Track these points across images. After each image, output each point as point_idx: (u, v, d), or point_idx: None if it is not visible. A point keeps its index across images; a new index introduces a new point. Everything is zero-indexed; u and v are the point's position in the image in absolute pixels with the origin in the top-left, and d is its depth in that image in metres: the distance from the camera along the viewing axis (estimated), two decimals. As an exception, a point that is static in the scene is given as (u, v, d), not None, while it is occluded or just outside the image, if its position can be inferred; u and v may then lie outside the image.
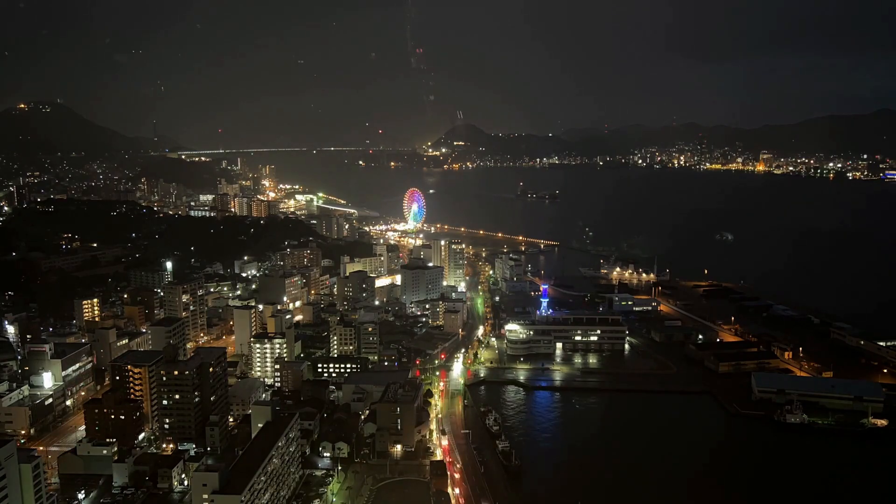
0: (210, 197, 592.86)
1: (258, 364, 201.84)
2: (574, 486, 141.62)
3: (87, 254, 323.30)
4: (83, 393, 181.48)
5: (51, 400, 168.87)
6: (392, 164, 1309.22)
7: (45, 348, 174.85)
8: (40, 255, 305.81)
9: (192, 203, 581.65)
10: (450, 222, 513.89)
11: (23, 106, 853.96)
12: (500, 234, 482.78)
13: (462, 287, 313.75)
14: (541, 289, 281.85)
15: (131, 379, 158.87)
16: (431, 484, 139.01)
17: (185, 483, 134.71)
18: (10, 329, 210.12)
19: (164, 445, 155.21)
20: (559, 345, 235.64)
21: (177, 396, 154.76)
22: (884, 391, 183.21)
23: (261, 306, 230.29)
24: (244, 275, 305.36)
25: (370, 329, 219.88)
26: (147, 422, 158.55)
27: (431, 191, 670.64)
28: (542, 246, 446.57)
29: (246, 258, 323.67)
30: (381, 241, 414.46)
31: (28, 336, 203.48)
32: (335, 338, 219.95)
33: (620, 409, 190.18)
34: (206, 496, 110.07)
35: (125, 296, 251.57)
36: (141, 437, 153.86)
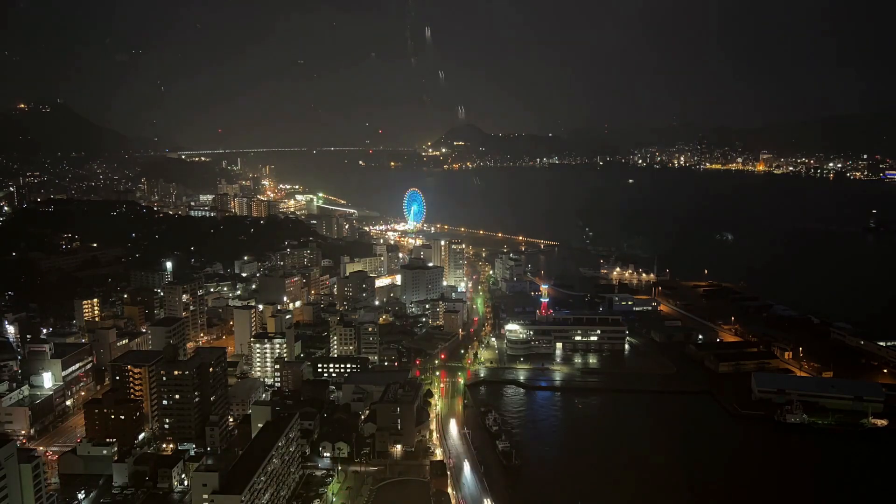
0: (210, 197, 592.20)
1: (258, 364, 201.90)
2: (574, 486, 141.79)
3: (87, 254, 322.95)
4: (83, 393, 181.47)
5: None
6: (392, 164, 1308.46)
7: (45, 348, 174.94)
8: (40, 255, 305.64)
9: (192, 203, 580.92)
10: (450, 222, 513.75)
11: (23, 106, 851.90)
12: (500, 234, 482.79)
13: (462, 287, 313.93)
14: (541, 289, 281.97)
15: (131, 379, 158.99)
16: (431, 484, 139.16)
17: (185, 483, 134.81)
18: (10, 329, 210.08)
19: (164, 445, 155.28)
20: (559, 345, 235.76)
21: (177, 396, 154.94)
22: (884, 391, 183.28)
23: (261, 306, 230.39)
24: (244, 275, 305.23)
25: (370, 329, 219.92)
26: (147, 422, 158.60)
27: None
28: (542, 246, 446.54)
29: (246, 258, 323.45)
30: (381, 241, 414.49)
31: (28, 336, 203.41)
32: (335, 338, 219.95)
33: (620, 409, 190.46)
34: (206, 496, 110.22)
35: (125, 296, 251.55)
36: (141, 437, 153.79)
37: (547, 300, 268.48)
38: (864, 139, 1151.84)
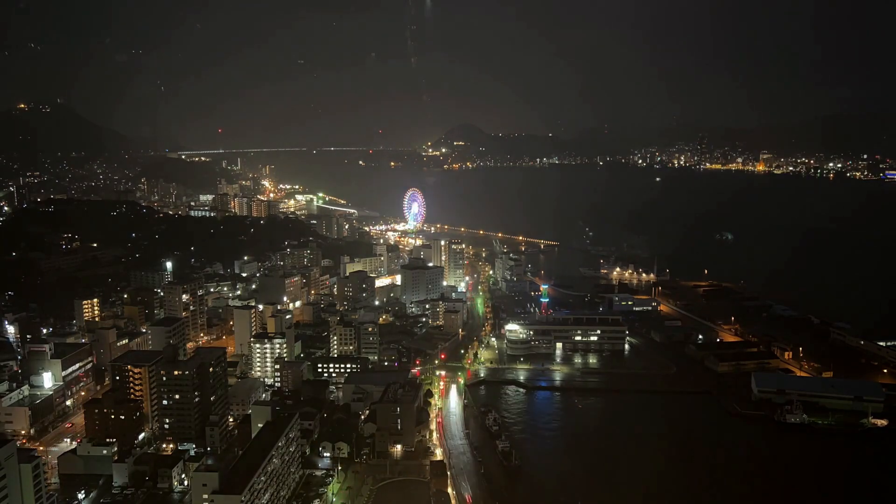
0: (210, 197, 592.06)
1: (258, 364, 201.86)
2: (574, 485, 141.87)
3: (87, 254, 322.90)
4: (83, 393, 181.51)
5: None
6: (392, 164, 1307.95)
7: (45, 348, 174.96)
8: (40, 255, 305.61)
9: (192, 203, 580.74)
10: (450, 222, 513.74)
11: (23, 106, 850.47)
12: (500, 234, 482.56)
13: (462, 287, 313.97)
14: (541, 289, 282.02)
15: (131, 379, 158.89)
16: (431, 484, 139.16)
17: (185, 483, 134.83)
18: (10, 329, 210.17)
19: (164, 445, 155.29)
20: (559, 345, 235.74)
21: (177, 396, 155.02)
22: (884, 391, 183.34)
23: (261, 306, 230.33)
24: (244, 275, 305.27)
25: (370, 329, 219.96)
26: (147, 422, 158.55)
27: None
28: (542, 246, 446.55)
29: (246, 258, 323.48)
30: (381, 241, 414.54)
31: (28, 336, 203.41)
32: (335, 338, 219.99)
33: (620, 409, 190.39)
34: (206, 496, 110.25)
35: (125, 296, 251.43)
36: (141, 437, 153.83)
37: (547, 300, 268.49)
38: (864, 139, 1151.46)
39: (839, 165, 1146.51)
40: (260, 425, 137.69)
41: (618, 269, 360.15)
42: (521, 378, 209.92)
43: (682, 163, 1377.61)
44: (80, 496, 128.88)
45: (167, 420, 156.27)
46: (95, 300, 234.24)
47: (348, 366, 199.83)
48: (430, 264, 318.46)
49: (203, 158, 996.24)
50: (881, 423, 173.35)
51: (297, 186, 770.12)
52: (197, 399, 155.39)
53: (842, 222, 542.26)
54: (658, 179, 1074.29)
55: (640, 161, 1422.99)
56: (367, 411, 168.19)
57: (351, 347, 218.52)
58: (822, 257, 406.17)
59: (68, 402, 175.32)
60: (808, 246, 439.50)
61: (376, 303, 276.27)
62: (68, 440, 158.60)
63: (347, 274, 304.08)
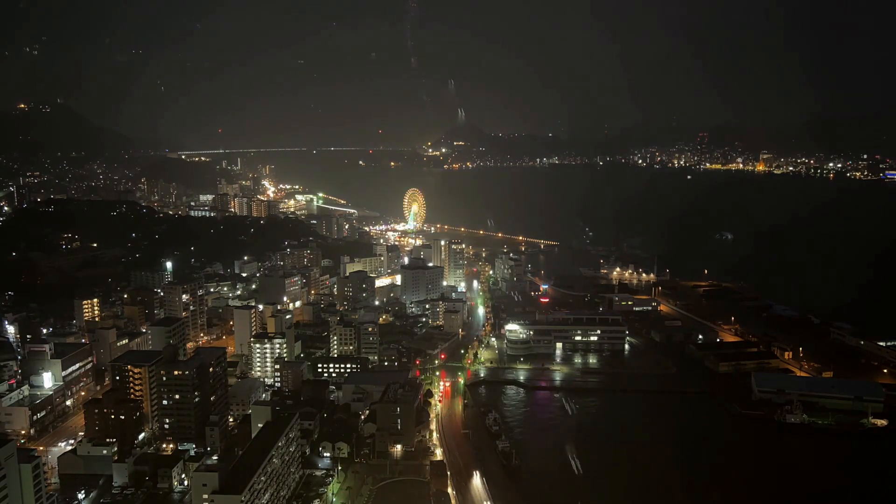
0: (210, 197, 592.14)
1: (258, 364, 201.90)
2: (574, 486, 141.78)
3: (87, 254, 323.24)
4: (83, 393, 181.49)
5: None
6: (392, 163, 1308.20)
7: (45, 348, 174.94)
8: (40, 255, 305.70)
9: (192, 203, 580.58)
10: (450, 222, 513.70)
11: (23, 106, 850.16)
12: (500, 234, 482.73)
13: (462, 287, 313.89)
14: (540, 289, 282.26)
15: (131, 379, 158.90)
16: (431, 484, 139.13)
17: (185, 483, 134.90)
18: (10, 329, 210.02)
19: (164, 445, 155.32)
20: (559, 345, 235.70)
21: (177, 396, 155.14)
22: (884, 391, 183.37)
23: (261, 306, 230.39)
24: (244, 275, 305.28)
25: (370, 329, 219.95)
26: (147, 422, 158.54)
27: None
28: (542, 246, 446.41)
29: (246, 258, 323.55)
30: (381, 241, 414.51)
31: (28, 336, 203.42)
32: (335, 338, 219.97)
33: (620, 409, 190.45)
34: (206, 496, 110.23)
35: (125, 296, 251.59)
36: (141, 437, 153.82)
37: (547, 300, 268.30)
38: (864, 139, 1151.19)
39: (839, 165, 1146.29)
40: (260, 425, 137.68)
41: (618, 269, 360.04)
42: (521, 378, 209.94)
43: (682, 163, 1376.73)
44: (80, 496, 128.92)
45: (167, 420, 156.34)
46: (95, 300, 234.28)
47: (348, 366, 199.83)
48: (430, 264, 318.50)
49: (203, 158, 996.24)
50: (881, 423, 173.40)
51: (297, 186, 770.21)
52: (197, 399, 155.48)
53: (843, 222, 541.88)
54: (689, 177, 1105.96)
55: (640, 161, 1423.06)
56: (367, 411, 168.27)
57: (351, 347, 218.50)
58: (821, 257, 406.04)
59: (68, 402, 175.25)
60: (809, 246, 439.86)
61: (376, 303, 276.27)
62: (66, 442, 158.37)
63: (347, 274, 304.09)
